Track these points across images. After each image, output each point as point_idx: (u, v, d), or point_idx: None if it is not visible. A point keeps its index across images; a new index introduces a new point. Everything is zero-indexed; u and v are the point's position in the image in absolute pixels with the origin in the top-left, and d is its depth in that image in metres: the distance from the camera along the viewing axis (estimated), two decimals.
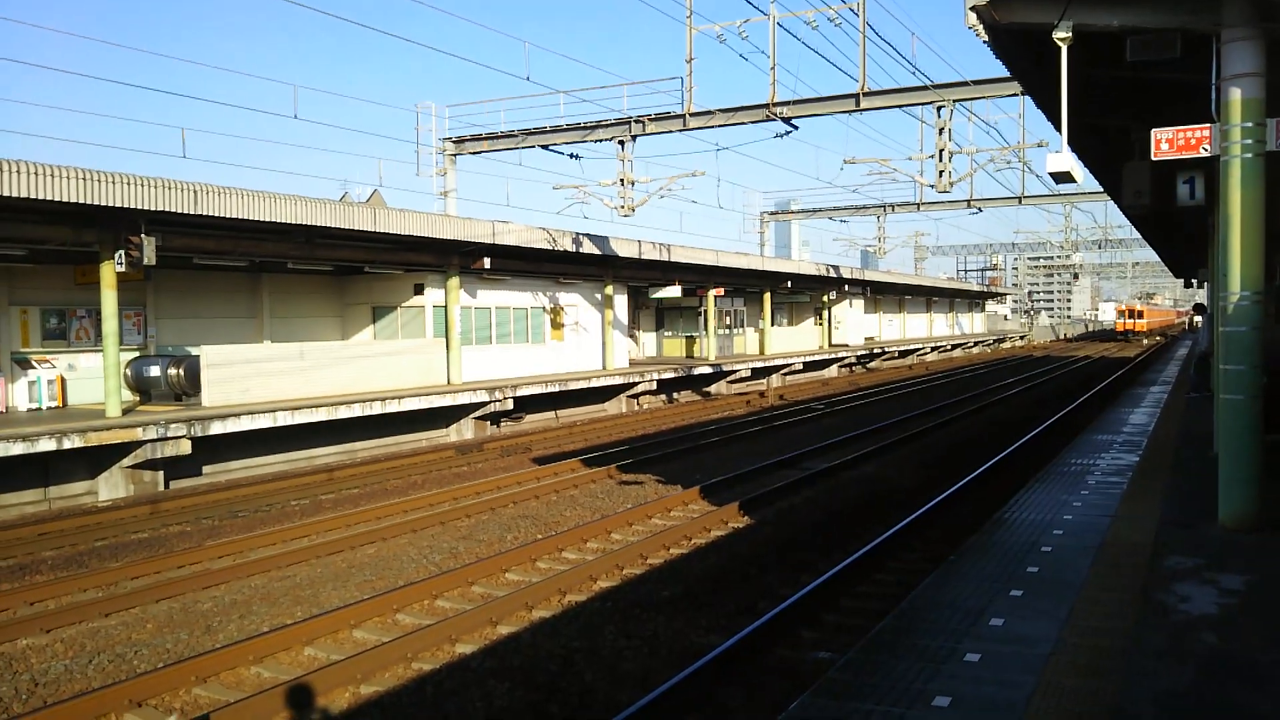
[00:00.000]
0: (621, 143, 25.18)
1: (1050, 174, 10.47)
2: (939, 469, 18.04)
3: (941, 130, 22.03)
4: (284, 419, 19.95)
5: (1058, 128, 10.63)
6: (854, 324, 53.79)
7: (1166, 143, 9.41)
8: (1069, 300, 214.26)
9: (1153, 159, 9.55)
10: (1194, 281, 44.53)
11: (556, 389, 28.40)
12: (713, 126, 24.36)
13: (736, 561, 11.80)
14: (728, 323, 44.64)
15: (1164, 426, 18.20)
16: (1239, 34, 8.68)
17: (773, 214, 54.00)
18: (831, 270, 48.31)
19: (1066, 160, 10.29)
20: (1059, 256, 63.25)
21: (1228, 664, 5.93)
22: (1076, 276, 66.49)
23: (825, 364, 48.64)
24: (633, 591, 10.69)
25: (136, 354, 22.28)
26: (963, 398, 33.25)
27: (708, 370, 36.69)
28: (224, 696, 7.99)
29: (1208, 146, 9.20)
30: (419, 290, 26.75)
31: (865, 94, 22.31)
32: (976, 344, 76.29)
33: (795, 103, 23.19)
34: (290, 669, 8.66)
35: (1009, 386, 37.99)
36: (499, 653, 8.85)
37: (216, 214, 18.36)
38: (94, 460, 17.66)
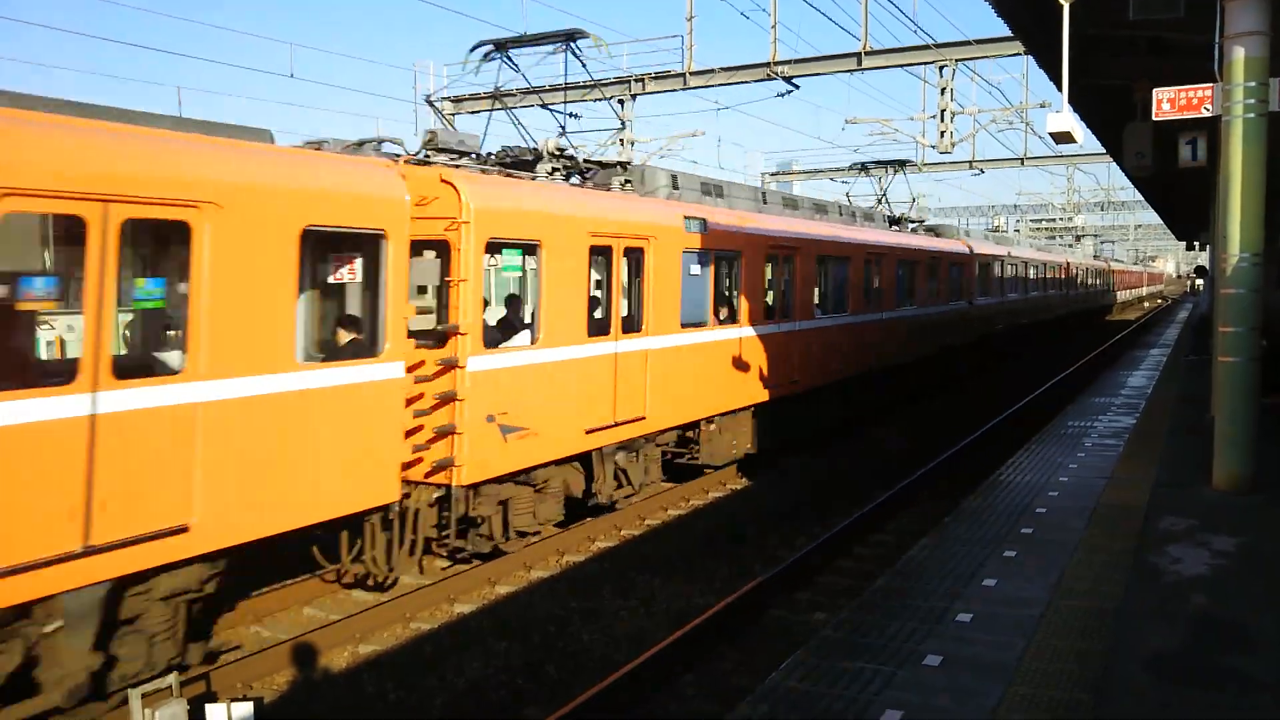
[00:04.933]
0: (621, 101, 24.98)
1: (1050, 134, 10.40)
2: (935, 435, 18.05)
3: (944, 90, 21.84)
4: None
5: (1059, 87, 10.54)
6: None
7: (1168, 103, 9.33)
8: None
9: (1154, 119, 9.48)
10: (1196, 244, 44.41)
11: None
12: (713, 85, 24.11)
13: (733, 523, 11.85)
14: None
15: (1162, 389, 18.21)
16: None
17: (774, 174, 53.68)
18: None
19: (1067, 120, 10.22)
20: (1061, 219, 62.80)
21: (1217, 625, 5.97)
22: (1079, 239, 66.07)
23: None
24: (630, 553, 10.74)
25: None
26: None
27: None
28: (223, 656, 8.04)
29: (1209, 106, 9.13)
30: None
31: (867, 53, 22.07)
32: None
33: (796, 62, 22.94)
34: (289, 629, 8.72)
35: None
36: (497, 613, 8.91)
37: None
38: None
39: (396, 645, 8.24)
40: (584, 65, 12.22)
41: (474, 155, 10.01)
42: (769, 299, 14.59)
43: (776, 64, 22.94)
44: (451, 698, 7.22)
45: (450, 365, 8.82)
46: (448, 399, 8.79)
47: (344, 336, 8.15)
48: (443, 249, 9.06)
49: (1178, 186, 22.31)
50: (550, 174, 10.92)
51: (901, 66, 22.43)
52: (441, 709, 7.07)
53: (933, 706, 4.99)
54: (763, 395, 13.95)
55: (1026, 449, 12.26)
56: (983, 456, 14.84)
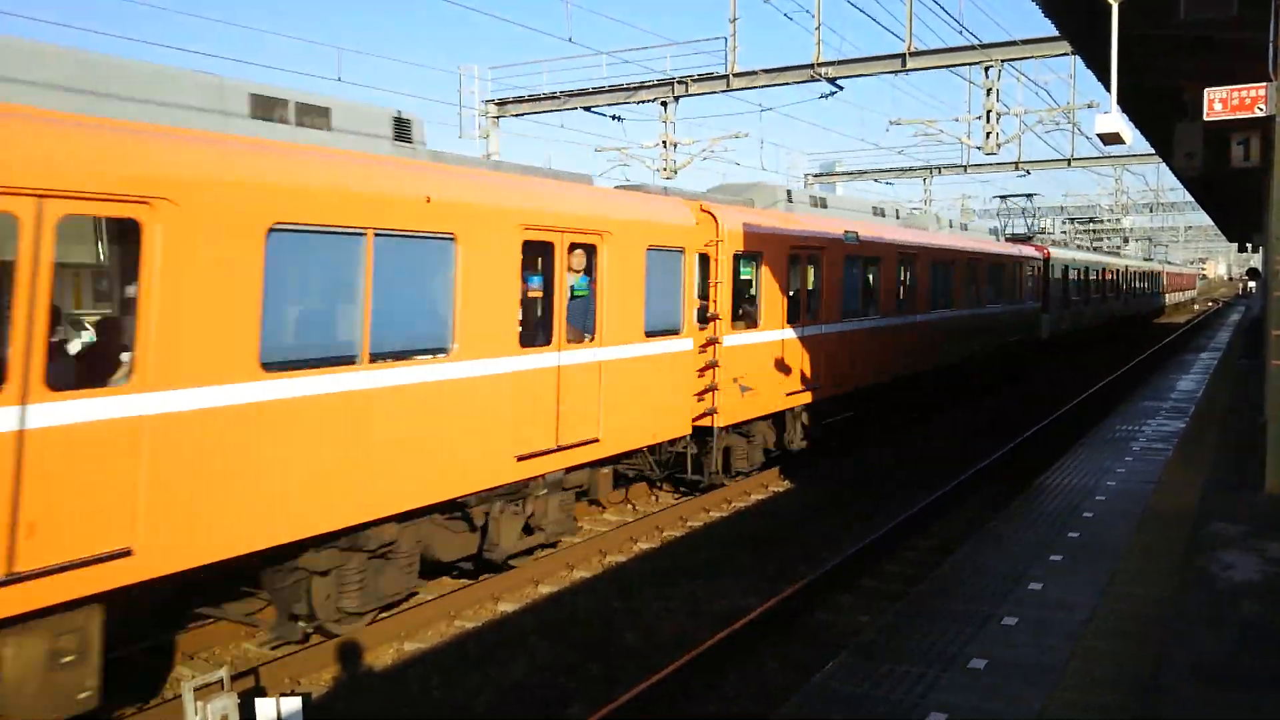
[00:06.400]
0: (664, 104, 24.99)
1: (1099, 135, 10.29)
2: (966, 444, 17.93)
3: (989, 91, 21.64)
4: None
5: (1108, 88, 10.42)
6: None
7: (1220, 103, 9.21)
8: None
9: (1205, 120, 9.35)
10: (1248, 246, 43.56)
11: None
12: (756, 87, 24.04)
13: (776, 524, 11.84)
14: None
15: (1213, 393, 17.92)
16: None
17: (817, 176, 53.44)
18: None
19: (1115, 121, 10.11)
20: (1109, 220, 61.72)
21: (1269, 632, 5.88)
22: (1126, 241, 64.93)
23: None
24: (672, 554, 10.77)
25: None
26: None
27: None
28: (272, 652, 8.17)
29: (1263, 106, 9.00)
30: None
31: (912, 54, 21.91)
32: None
33: (840, 63, 22.83)
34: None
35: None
36: (540, 611, 8.98)
37: None
38: None
39: (441, 643, 8.33)
40: None
41: None
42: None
43: (820, 65, 22.84)
44: (496, 695, 7.29)
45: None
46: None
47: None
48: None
49: (1229, 187, 21.93)
50: None
51: (946, 67, 22.25)
52: (486, 707, 7.14)
53: (978, 709, 4.97)
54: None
55: (1072, 453, 12.12)
56: (1031, 455, 14.71)
